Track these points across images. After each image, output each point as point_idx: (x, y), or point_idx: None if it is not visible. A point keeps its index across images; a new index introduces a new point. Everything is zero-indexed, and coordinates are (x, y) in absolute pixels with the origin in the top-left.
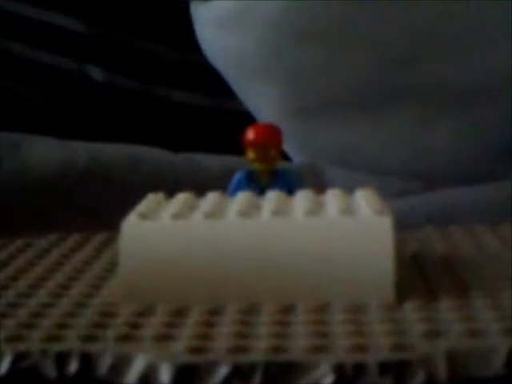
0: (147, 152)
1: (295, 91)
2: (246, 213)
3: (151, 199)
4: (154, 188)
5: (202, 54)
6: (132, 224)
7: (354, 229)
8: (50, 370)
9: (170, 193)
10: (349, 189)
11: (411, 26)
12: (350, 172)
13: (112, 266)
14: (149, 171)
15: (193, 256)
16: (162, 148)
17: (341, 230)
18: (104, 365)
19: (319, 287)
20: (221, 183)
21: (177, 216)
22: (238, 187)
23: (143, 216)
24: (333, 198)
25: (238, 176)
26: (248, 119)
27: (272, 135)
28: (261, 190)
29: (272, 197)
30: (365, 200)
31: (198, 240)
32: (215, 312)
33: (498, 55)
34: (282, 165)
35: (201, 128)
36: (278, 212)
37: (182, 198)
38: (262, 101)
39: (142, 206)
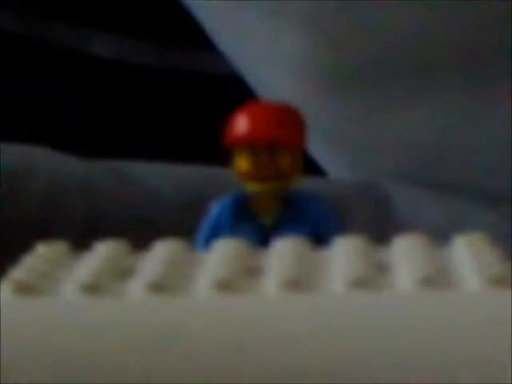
0: (40, 158)
1: (328, 42)
2: (232, 283)
3: (42, 254)
4: (48, 229)
5: None
6: (7, 303)
7: (445, 313)
8: None
9: (80, 239)
10: (437, 231)
11: None
12: (438, 197)
13: None
14: (40, 196)
15: (128, 366)
16: (67, 150)
17: (420, 316)
18: None
19: None
20: (180, 219)
21: (94, 288)
22: (218, 229)
23: (27, 288)
24: (405, 253)
25: (216, 207)
26: (239, 93)
27: (284, 125)
28: (262, 234)
29: (283, 249)
30: (468, 255)
31: (137, 336)
32: None
33: None
34: (303, 185)
35: (144, 109)
36: (294, 281)
37: (104, 251)
38: (269, 60)
39: (26, 266)
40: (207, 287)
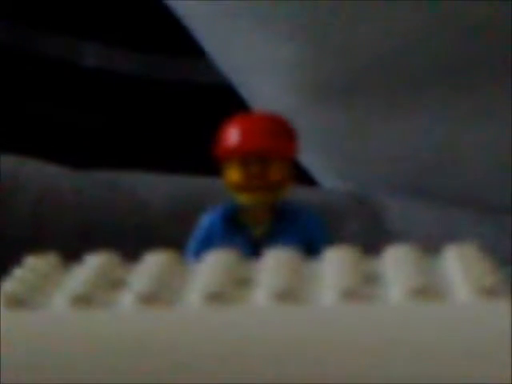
0: (30, 169)
1: (321, 53)
2: (223, 294)
3: (33, 266)
4: (39, 241)
5: None
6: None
7: (436, 324)
8: None
9: (71, 251)
10: (429, 241)
11: None
12: (430, 208)
13: None
14: (31, 207)
15: (118, 377)
16: (57, 162)
17: (411, 328)
18: None
19: None
20: (171, 231)
21: (84, 300)
22: (209, 240)
23: (18, 301)
24: (396, 264)
25: (207, 219)
26: (230, 103)
27: (275, 136)
28: (253, 245)
29: (275, 261)
30: (460, 266)
31: (128, 348)
32: None
33: None
34: (294, 195)
35: (134, 120)
36: (285, 293)
37: (94, 263)
38: (260, 70)
39: (16, 279)
40: (198, 299)
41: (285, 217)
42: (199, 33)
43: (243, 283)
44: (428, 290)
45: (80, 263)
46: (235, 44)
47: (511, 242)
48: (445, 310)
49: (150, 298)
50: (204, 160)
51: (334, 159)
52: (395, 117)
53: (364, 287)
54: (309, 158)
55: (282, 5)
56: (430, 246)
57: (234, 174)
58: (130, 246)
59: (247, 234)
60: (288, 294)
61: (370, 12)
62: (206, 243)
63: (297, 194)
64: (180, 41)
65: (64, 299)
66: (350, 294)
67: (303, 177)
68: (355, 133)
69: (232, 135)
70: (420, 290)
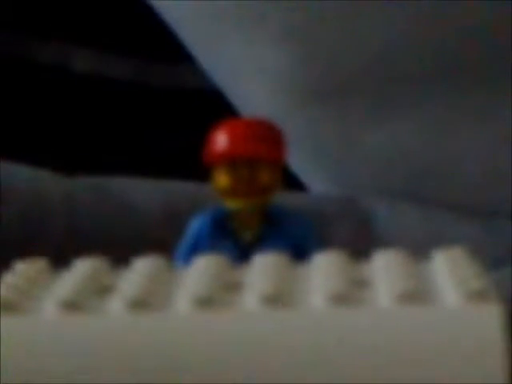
0: (20, 175)
1: (309, 57)
2: (212, 299)
3: (22, 271)
4: (29, 246)
5: None
6: None
7: (424, 329)
8: None
9: (61, 256)
10: (418, 246)
11: None
12: (420, 212)
13: None
14: (21, 213)
15: (106, 381)
16: (47, 167)
17: (399, 332)
18: None
19: None
20: (161, 236)
21: (73, 306)
22: (198, 245)
23: (7, 306)
24: (384, 269)
25: (196, 223)
26: (217, 109)
27: (264, 141)
28: (242, 250)
29: (264, 265)
30: (448, 270)
31: (117, 353)
32: None
33: None
34: (283, 200)
35: (125, 125)
36: (274, 297)
37: (83, 268)
38: (249, 75)
39: (6, 284)
40: (187, 304)
41: (274, 221)
42: (187, 38)
43: (232, 288)
44: (417, 295)
45: (69, 268)
46: (223, 49)
47: (511, 244)
48: (433, 313)
49: (139, 303)
50: (193, 165)
51: (323, 163)
52: (384, 121)
53: (353, 291)
54: (298, 162)
55: (270, 9)
56: (419, 250)
57: (222, 179)
58: (120, 251)
59: (236, 239)
60: (277, 299)
61: (360, 15)
62: (195, 248)
63: (286, 198)
64: (170, 46)
65: (53, 304)
66: (338, 299)
67: (292, 182)
68: (344, 137)
69: (221, 140)
70: (409, 295)
